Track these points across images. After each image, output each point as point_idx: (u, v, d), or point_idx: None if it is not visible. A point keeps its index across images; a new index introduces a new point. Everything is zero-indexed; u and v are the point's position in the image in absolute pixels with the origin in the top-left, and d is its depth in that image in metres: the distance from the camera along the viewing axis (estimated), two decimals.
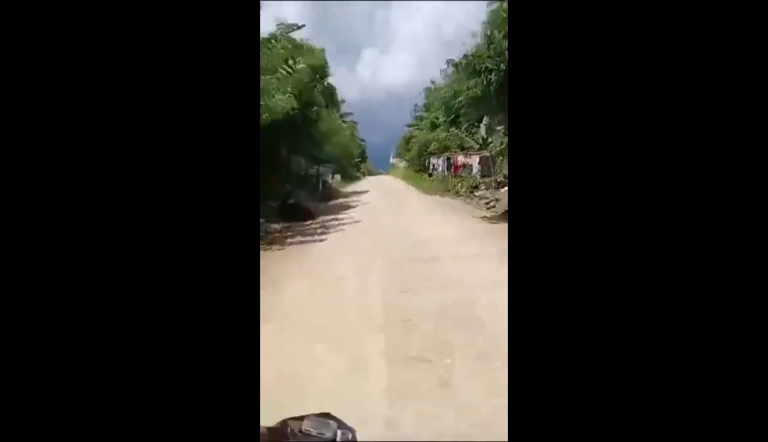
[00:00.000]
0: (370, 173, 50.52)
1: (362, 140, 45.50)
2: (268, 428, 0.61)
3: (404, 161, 37.47)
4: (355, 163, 39.43)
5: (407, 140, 27.97)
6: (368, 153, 52.89)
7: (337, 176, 25.60)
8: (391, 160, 58.79)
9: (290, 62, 9.04)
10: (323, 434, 0.59)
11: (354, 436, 0.62)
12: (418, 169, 25.18)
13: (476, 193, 14.21)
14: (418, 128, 26.75)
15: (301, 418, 0.61)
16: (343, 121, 32.41)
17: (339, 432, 0.60)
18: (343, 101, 32.29)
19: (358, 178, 36.68)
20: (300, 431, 0.59)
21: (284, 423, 0.62)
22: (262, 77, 7.35)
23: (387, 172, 53.74)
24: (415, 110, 32.23)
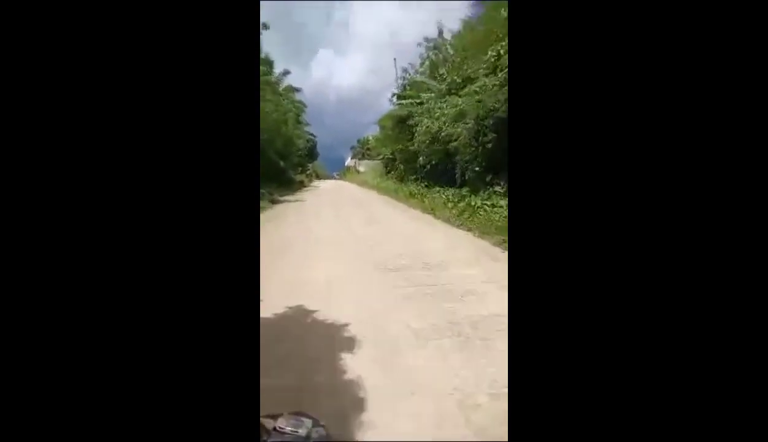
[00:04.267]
0: (319, 177, 37.47)
1: (312, 135, 32.66)
2: None
3: (376, 161, 24.22)
4: (298, 160, 25.81)
5: (400, 121, 14.72)
6: (318, 152, 39.58)
7: None
8: (348, 162, 46.06)
9: None
10: (297, 432, 0.58)
11: (328, 433, 0.61)
12: (412, 174, 12.36)
13: None
14: (419, 102, 14.10)
15: (275, 416, 0.60)
16: (281, 96, 19.53)
17: (314, 430, 0.59)
18: (287, 73, 20.17)
19: (300, 187, 22.78)
20: (274, 429, 0.58)
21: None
22: None
23: (341, 177, 41.23)
24: (404, 76, 19.30)
